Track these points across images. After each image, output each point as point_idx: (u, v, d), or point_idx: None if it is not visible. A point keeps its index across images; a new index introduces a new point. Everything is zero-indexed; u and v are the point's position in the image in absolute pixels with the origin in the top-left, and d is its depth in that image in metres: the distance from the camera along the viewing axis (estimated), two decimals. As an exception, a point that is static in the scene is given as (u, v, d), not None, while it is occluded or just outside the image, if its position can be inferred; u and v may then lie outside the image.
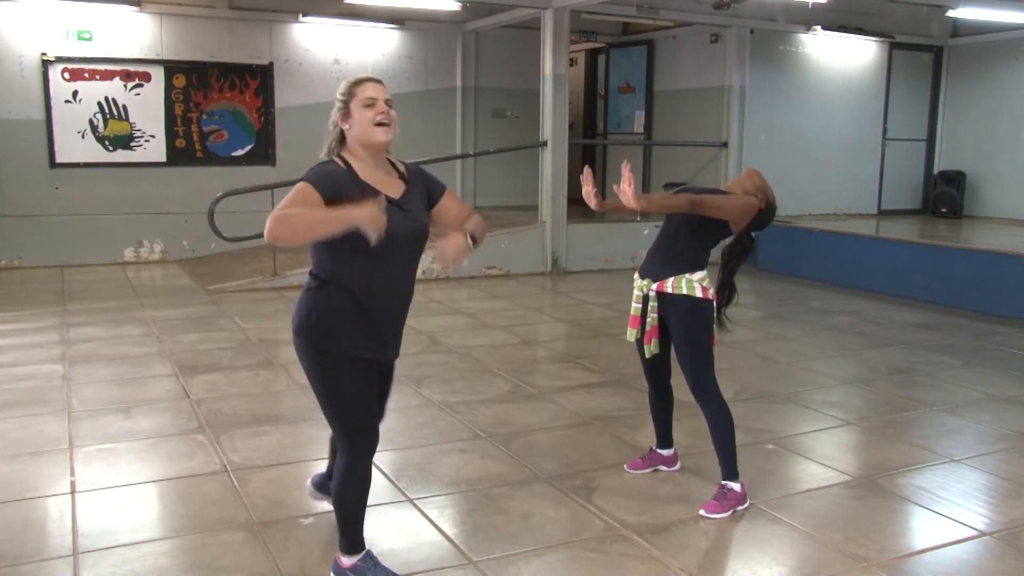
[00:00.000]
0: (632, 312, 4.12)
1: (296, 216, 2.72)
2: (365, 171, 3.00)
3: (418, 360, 6.69)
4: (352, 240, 2.79)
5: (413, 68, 12.59)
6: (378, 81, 3.03)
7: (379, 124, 2.96)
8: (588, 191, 3.82)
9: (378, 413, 3.20)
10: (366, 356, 2.99)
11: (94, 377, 6.21)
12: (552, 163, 10.92)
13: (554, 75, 10.79)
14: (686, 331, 3.99)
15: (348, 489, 3.15)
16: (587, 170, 3.77)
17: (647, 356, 4.17)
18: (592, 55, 14.45)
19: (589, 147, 14.36)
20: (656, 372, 4.31)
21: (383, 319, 3.00)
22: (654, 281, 4.04)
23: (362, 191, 2.89)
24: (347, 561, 3.29)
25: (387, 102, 3.00)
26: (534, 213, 11.32)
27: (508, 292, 9.77)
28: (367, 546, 3.33)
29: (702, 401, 4.02)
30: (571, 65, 12.99)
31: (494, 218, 11.77)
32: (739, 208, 3.96)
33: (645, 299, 4.07)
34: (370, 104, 2.96)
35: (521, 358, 6.85)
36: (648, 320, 4.06)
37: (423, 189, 3.09)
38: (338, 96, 3.03)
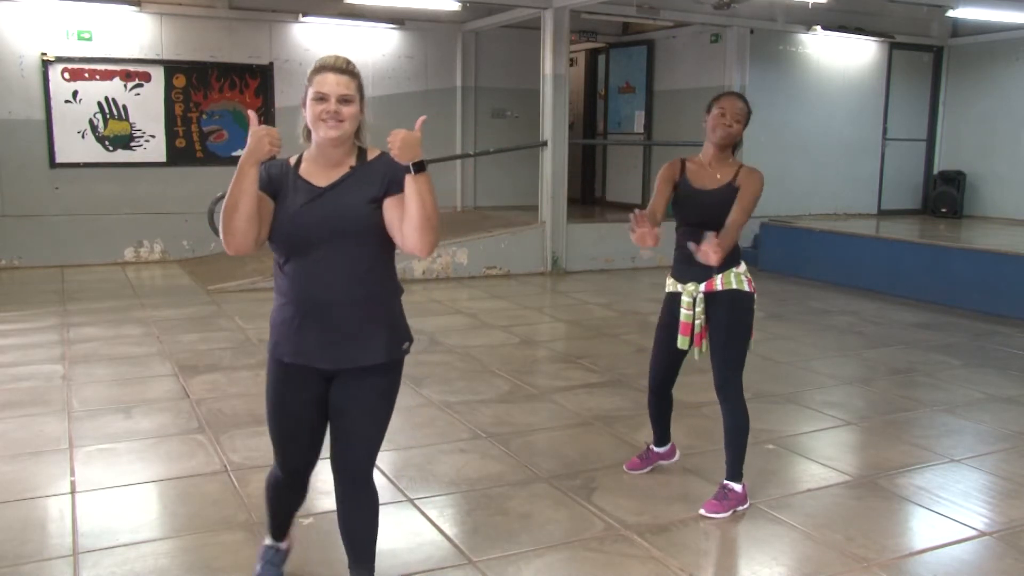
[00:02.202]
0: (683, 319, 4.00)
1: (226, 202, 2.74)
2: (308, 165, 2.89)
3: (418, 360, 6.65)
4: (278, 244, 2.80)
5: (413, 68, 12.56)
6: (341, 70, 2.80)
7: (323, 120, 2.78)
8: (643, 233, 3.43)
9: (313, 444, 2.95)
10: (287, 360, 2.86)
11: (94, 377, 6.20)
12: (552, 163, 10.90)
13: (554, 75, 10.78)
14: (730, 326, 3.93)
15: (266, 482, 3.18)
16: (637, 213, 3.47)
17: (696, 357, 4.07)
18: (592, 55, 14.40)
19: (589, 147, 14.37)
20: (669, 376, 4.22)
21: (316, 322, 2.82)
22: (700, 282, 3.98)
23: (294, 186, 2.84)
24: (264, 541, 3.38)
25: (342, 99, 2.77)
26: (534, 213, 11.32)
27: (508, 292, 9.77)
28: (285, 544, 3.35)
29: (724, 397, 3.97)
30: (571, 65, 12.98)
31: (494, 218, 11.85)
32: (756, 202, 3.91)
33: (693, 302, 3.99)
34: (321, 98, 2.78)
35: (521, 358, 6.84)
36: (696, 323, 3.98)
37: (380, 180, 2.83)
38: (305, 79, 2.86)
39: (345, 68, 2.81)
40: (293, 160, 2.91)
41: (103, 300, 9.01)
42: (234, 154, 11.55)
